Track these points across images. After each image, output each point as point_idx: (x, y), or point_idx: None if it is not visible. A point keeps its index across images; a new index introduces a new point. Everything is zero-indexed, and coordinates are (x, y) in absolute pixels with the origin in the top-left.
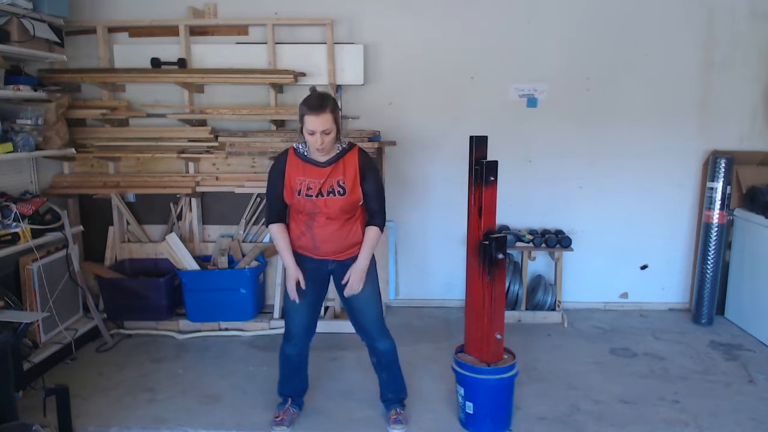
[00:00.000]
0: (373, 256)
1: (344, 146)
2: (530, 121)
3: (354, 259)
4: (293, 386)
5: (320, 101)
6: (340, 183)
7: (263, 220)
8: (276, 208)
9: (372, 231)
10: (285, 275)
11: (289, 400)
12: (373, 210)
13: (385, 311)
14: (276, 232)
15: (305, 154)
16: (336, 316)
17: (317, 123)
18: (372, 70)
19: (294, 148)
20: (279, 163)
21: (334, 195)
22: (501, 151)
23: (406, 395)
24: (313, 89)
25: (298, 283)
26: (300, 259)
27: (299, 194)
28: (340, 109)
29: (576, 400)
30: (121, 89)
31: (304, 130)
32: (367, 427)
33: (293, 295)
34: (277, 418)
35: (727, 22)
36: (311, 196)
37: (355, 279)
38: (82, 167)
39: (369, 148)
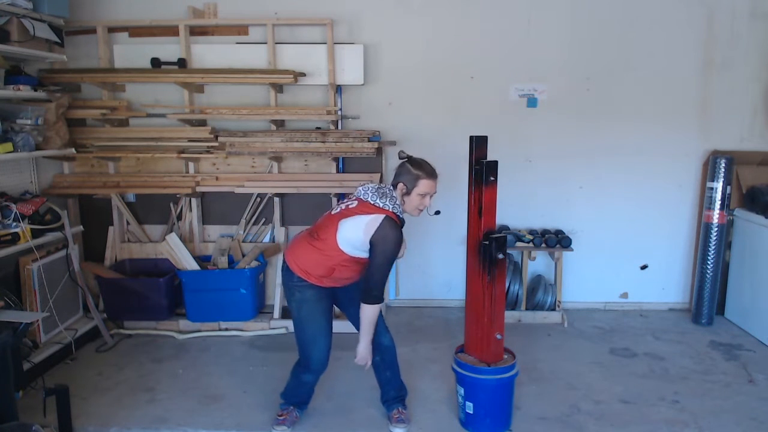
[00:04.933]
0: None
1: None
2: (530, 121)
3: None
4: (301, 398)
5: (433, 169)
6: None
7: (263, 220)
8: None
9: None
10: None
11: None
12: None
13: (384, 311)
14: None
15: (400, 215)
16: (336, 317)
17: (434, 187)
18: (372, 70)
19: (396, 214)
20: (399, 232)
21: None
22: (501, 151)
23: (406, 393)
24: (401, 153)
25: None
26: (319, 290)
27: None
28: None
29: (576, 400)
30: (121, 89)
31: (414, 191)
32: (367, 427)
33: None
34: (279, 416)
35: (727, 22)
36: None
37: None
38: (82, 167)
39: (369, 148)
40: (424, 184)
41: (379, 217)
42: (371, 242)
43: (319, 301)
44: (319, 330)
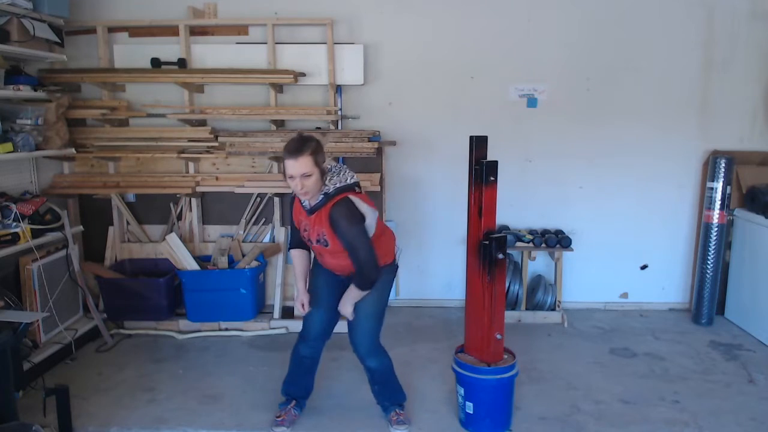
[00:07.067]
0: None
1: (330, 193)
2: (530, 121)
3: None
4: (300, 387)
5: (298, 144)
6: (323, 235)
7: (263, 220)
8: (296, 236)
9: (351, 289)
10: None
11: (293, 401)
12: (353, 264)
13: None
14: (294, 257)
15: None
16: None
17: (295, 167)
18: (372, 70)
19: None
20: (291, 200)
21: (322, 245)
22: (501, 151)
23: (404, 399)
24: (299, 132)
25: (314, 295)
26: (321, 267)
27: (304, 232)
28: (322, 147)
29: (576, 400)
30: (121, 89)
31: (286, 174)
32: (367, 428)
33: (302, 310)
34: (278, 417)
35: (727, 22)
36: (309, 239)
37: (343, 310)
38: (82, 167)
39: (369, 148)
40: (286, 165)
41: None
42: None
43: (319, 274)
44: (314, 300)
